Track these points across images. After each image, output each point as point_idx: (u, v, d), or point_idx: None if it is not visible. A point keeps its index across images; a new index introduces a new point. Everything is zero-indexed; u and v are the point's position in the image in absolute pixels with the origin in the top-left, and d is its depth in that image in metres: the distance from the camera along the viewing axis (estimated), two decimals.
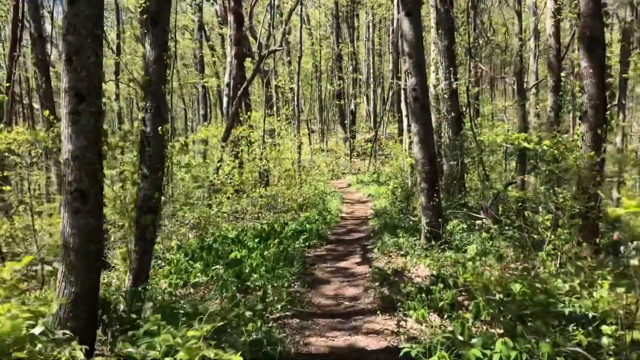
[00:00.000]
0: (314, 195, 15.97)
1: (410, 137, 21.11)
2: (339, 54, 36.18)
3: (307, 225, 10.55)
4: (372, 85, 40.95)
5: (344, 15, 38.88)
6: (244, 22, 19.43)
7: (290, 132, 25.51)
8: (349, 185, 23.43)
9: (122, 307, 4.57)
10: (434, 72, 16.04)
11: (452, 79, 14.06)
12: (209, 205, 12.86)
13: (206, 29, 32.29)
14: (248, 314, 4.47)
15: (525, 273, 5.48)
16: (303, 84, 48.33)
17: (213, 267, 7.44)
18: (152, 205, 4.86)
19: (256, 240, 8.71)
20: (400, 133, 21.46)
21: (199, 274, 7.39)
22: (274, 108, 27.60)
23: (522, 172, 9.67)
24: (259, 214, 14.31)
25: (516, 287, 4.78)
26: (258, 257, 7.38)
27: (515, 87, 12.97)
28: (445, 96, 14.23)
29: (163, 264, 8.30)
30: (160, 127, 4.80)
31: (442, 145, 16.89)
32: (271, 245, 8.21)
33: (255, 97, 43.09)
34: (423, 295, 5.18)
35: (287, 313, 5.06)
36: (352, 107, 36.51)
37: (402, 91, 20.75)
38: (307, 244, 8.96)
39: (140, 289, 4.59)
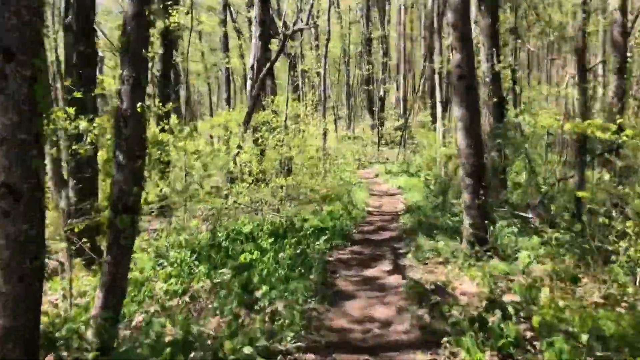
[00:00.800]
0: (338, 186, 14.79)
1: (445, 125, 19.64)
2: (369, 37, 34.61)
3: (330, 222, 9.42)
4: (402, 71, 39.21)
5: None
6: (269, 1, 18.21)
7: (315, 118, 24.36)
8: (377, 175, 22.15)
9: (89, 336, 3.56)
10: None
11: (495, 61, 12.57)
12: (225, 195, 11.89)
13: (232, 10, 31.26)
14: (247, 351, 3.38)
15: (611, 301, 4.22)
16: (331, 69, 46.94)
17: (220, 271, 6.42)
18: (129, 202, 3.80)
19: (270, 239, 7.63)
20: (434, 120, 19.99)
21: (203, 278, 6.38)
22: (300, 93, 26.48)
23: (581, 166, 8.25)
24: (280, 206, 13.27)
25: (609, 326, 3.54)
26: (271, 261, 6.30)
27: (566, 71, 11.41)
28: (487, 80, 12.75)
29: (165, 263, 7.33)
30: (140, 103, 3.71)
31: (482, 135, 15.47)
32: (287, 246, 7.12)
33: (280, 81, 42.04)
34: (476, 326, 3.99)
35: (300, 344, 3.95)
36: (381, 93, 34.98)
37: (437, 75, 19.27)
38: (329, 244, 7.83)
39: (110, 316, 3.55)
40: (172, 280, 6.28)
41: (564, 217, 8.73)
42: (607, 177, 6.70)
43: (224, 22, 25.17)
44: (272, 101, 16.06)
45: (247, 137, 15.51)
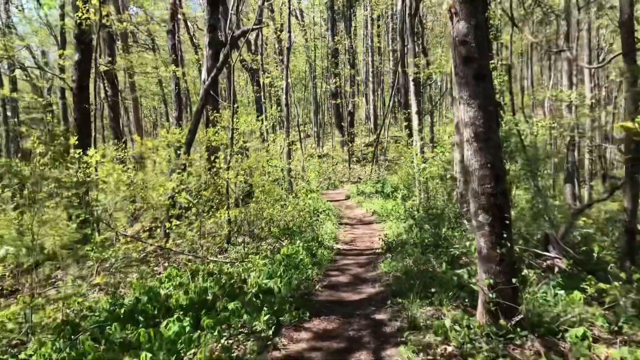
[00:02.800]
0: (302, 213, 12.12)
1: (423, 139, 17.32)
2: (335, 49, 32.46)
3: (284, 276, 6.72)
4: (371, 85, 37.23)
5: (340, 9, 35.20)
6: (219, 4, 15.61)
7: (278, 134, 21.75)
8: (348, 197, 19.61)
9: None
10: None
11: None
12: (149, 236, 9.05)
13: (187, 21, 28.69)
14: None
15: None
16: (297, 86, 44.77)
17: None
18: None
19: (185, 321, 4.86)
20: (410, 134, 17.67)
21: None
22: (263, 109, 23.88)
23: (634, 184, 5.88)
24: (227, 245, 10.50)
25: None
26: None
27: (575, 64, 9.21)
28: None
29: None
30: None
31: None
32: (205, 336, 4.37)
33: (242, 98, 39.40)
34: None
35: None
36: (350, 107, 32.75)
37: (412, 83, 16.99)
38: (276, 321, 5.11)
39: None
40: None
41: (608, 257, 6.32)
42: None
43: (171, 32, 22.44)
44: (220, 115, 13.42)
45: (195, 158, 12.79)
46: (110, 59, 17.06)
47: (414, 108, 16.84)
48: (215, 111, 13.85)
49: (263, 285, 6.19)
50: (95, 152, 8.12)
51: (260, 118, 17.36)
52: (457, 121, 12.51)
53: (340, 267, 7.95)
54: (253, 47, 26.86)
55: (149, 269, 9.04)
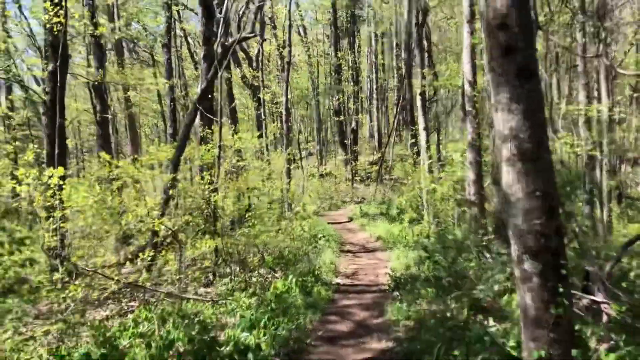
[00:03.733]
0: (292, 241, 10.80)
1: (431, 157, 16.11)
2: (338, 65, 31.53)
3: (268, 323, 5.44)
4: (375, 102, 36.23)
5: (343, 25, 34.47)
6: (214, 15, 14.62)
7: (277, 152, 20.65)
8: (351, 219, 18.33)
9: None
10: (469, 62, 11.12)
11: None
12: (99, 272, 7.78)
13: (187, 37, 28.01)
14: None
15: None
16: (301, 104, 43.89)
17: None
18: None
19: None
20: (417, 151, 16.49)
21: None
22: (263, 127, 22.82)
23: None
24: (215, 280, 9.24)
25: None
26: None
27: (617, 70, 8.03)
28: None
29: None
30: None
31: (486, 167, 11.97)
32: None
33: (244, 115, 38.42)
34: None
35: None
36: (353, 125, 31.65)
37: (419, 97, 15.85)
38: None
39: None
40: None
41: None
42: None
43: (166, 46, 21.57)
44: (207, 135, 12.28)
45: (178, 179, 11.61)
46: (99, 71, 16.05)
47: (421, 124, 15.67)
48: (207, 128, 12.74)
49: (241, 341, 4.91)
50: (55, 172, 6.94)
51: (255, 135, 16.27)
52: (470, 137, 11.32)
53: (340, 310, 6.65)
54: (255, 64, 25.97)
55: (118, 309, 7.80)
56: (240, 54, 27.03)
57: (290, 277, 7.71)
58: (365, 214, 18.12)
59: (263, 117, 23.43)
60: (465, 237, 9.05)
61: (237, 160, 13.26)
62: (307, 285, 7.54)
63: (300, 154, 32.02)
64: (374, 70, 36.92)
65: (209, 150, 11.54)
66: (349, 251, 11.54)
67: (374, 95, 36.60)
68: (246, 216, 10.66)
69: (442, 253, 8.09)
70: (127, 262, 9.27)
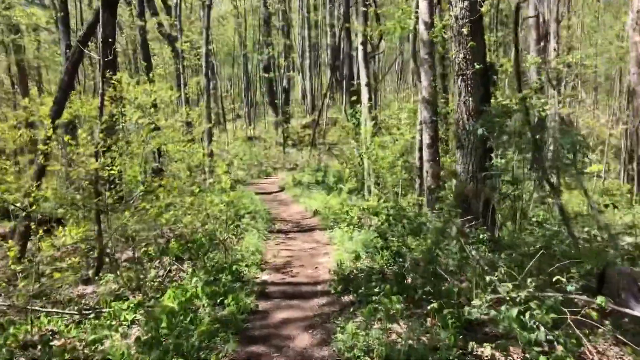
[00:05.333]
0: (206, 221, 8.41)
1: (375, 118, 14.10)
2: (267, 14, 28.45)
3: None
4: (307, 61, 33.65)
5: None
6: None
7: (195, 110, 17.75)
8: (282, 189, 16.18)
9: None
10: None
11: None
12: None
13: None
14: None
15: None
16: (227, 61, 40.19)
17: None
18: None
19: None
20: (355, 114, 14.52)
21: None
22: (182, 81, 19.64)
23: None
24: (98, 275, 6.74)
25: None
26: None
27: None
28: (464, 31, 7.37)
29: None
30: None
31: (451, 129, 10.26)
32: None
33: (161, 70, 34.32)
34: None
35: None
36: (285, 83, 29.08)
37: (360, 47, 13.70)
38: None
39: None
40: None
41: None
42: None
43: None
44: (117, 81, 9.38)
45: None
46: None
47: (363, 79, 13.60)
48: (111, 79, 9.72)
49: None
50: None
51: (167, 88, 13.41)
52: (425, 92, 9.42)
53: (267, 331, 4.52)
54: (173, 12, 22.44)
55: None
56: (158, 3, 23.49)
57: (195, 279, 5.43)
58: (298, 182, 16.03)
59: (181, 70, 20.22)
60: (419, 215, 7.24)
61: (139, 118, 10.49)
62: (220, 289, 5.33)
63: (224, 115, 29.02)
64: (306, 27, 34.16)
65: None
66: (279, 231, 9.40)
67: (307, 55, 34.01)
68: (144, 189, 8.12)
69: (400, 238, 6.19)
70: None
